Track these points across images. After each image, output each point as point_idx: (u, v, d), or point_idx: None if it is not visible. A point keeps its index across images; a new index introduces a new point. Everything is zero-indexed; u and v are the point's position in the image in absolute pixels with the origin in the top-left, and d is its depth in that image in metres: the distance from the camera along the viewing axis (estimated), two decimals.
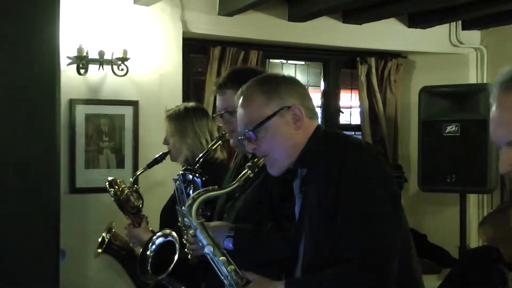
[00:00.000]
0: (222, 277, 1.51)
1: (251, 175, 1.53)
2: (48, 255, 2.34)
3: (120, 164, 3.52)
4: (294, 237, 1.55)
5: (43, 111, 2.37)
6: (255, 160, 1.54)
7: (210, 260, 1.52)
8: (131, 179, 2.69)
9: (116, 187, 2.62)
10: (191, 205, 1.51)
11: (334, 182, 1.41)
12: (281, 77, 1.59)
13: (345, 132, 2.61)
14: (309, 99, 1.57)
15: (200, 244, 1.54)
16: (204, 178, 2.01)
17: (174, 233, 2.13)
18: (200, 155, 2.10)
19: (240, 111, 1.57)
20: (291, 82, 1.57)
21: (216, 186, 1.57)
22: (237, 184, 1.53)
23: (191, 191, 2.02)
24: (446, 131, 3.95)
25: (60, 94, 2.47)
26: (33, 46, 2.37)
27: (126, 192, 2.62)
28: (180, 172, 2.08)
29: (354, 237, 1.39)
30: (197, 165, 2.06)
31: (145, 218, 2.65)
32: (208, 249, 1.51)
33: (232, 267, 1.50)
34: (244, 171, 1.54)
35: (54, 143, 2.41)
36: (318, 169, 1.47)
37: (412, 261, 1.48)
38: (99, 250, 2.68)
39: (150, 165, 2.63)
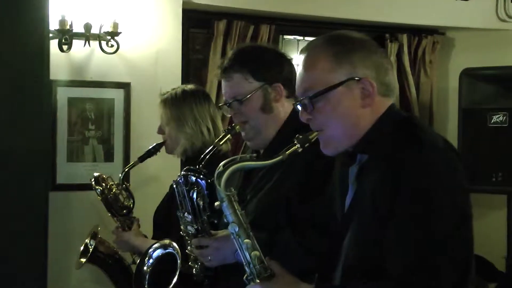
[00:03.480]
0: (244, 264, 1.51)
1: (300, 150, 1.49)
2: (34, 260, 2.30)
3: (109, 156, 3.49)
4: (340, 229, 1.52)
5: (29, 94, 2.32)
6: (307, 133, 1.49)
7: (233, 240, 1.52)
8: (120, 174, 2.68)
9: (103, 184, 2.63)
10: (221, 173, 1.49)
11: (393, 181, 1.35)
12: (358, 40, 1.50)
13: None
14: (386, 72, 1.49)
15: (225, 220, 1.52)
16: (209, 180, 1.97)
17: (174, 244, 2.11)
18: (206, 151, 2.07)
19: (300, 72, 1.50)
20: (369, 48, 1.49)
21: (254, 155, 1.55)
22: (281, 157, 1.48)
23: (194, 195, 2.00)
24: (492, 121, 3.90)
25: (49, 73, 2.43)
26: (19, 19, 2.31)
27: (114, 190, 2.62)
28: (182, 173, 2.05)
29: (405, 255, 1.32)
30: (202, 163, 2.03)
31: (136, 220, 2.65)
32: (233, 228, 1.50)
33: (257, 253, 1.49)
34: (291, 144, 1.49)
35: (41, 130, 2.37)
36: (380, 160, 1.41)
37: None
38: (82, 260, 2.66)
39: (142, 158, 2.61)
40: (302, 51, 1.52)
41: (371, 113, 1.46)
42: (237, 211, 1.51)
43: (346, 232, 1.48)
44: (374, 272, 1.37)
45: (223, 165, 1.50)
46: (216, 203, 1.53)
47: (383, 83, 1.47)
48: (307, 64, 1.49)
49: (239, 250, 1.52)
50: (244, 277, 1.51)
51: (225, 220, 1.53)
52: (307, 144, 1.48)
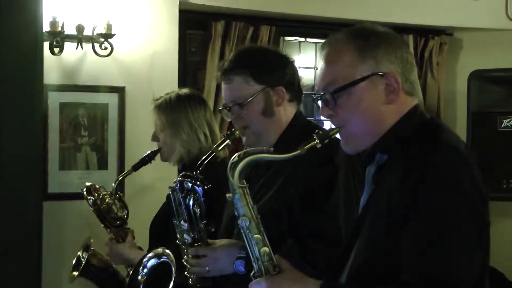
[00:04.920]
0: (252, 259, 1.51)
1: (318, 146, 1.48)
2: (28, 273, 2.27)
3: (102, 164, 3.48)
4: (350, 232, 1.52)
5: (21, 99, 2.29)
6: (328, 129, 1.49)
7: (242, 235, 1.52)
8: (113, 184, 2.66)
9: (96, 194, 2.61)
10: (235, 164, 1.50)
11: (411, 184, 1.33)
12: (383, 33, 1.48)
13: None
14: (411, 68, 1.48)
15: (236, 213, 1.53)
16: (206, 187, 1.98)
17: (168, 252, 2.09)
18: (204, 157, 2.06)
19: (322, 67, 1.50)
20: (395, 42, 1.48)
21: (271, 149, 1.54)
22: (299, 151, 1.48)
23: (190, 202, 1.99)
24: (502, 125, 3.91)
25: (42, 77, 2.40)
26: (10, 20, 2.28)
27: (107, 200, 2.60)
28: (178, 179, 2.04)
29: (420, 261, 1.31)
30: (199, 170, 2.02)
31: (130, 232, 2.63)
32: (243, 222, 1.50)
33: (266, 249, 1.50)
34: (310, 140, 1.48)
35: (35, 138, 2.34)
36: (400, 161, 1.40)
37: None
38: (75, 273, 2.64)
39: (136, 167, 2.59)
40: (323, 45, 1.52)
41: (396, 111, 1.45)
42: (249, 204, 1.51)
43: (358, 233, 1.46)
44: (382, 275, 1.36)
45: (238, 156, 1.50)
46: (228, 195, 1.53)
47: (408, 80, 1.46)
48: (329, 58, 1.48)
49: (247, 246, 1.51)
50: (251, 274, 1.51)
51: (235, 213, 1.53)
52: (326, 140, 1.48)
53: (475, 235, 1.33)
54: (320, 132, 1.49)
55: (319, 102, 1.50)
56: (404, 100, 1.45)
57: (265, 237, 1.50)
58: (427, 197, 1.31)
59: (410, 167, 1.35)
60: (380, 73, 1.43)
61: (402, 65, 1.45)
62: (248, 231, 1.50)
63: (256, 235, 1.50)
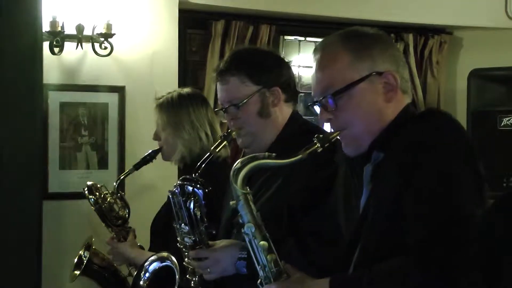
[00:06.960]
0: (258, 267, 1.52)
1: (319, 150, 1.49)
2: (27, 273, 2.27)
3: (103, 163, 3.49)
4: (352, 232, 1.53)
5: (21, 98, 2.30)
6: (328, 133, 1.50)
7: (247, 243, 1.52)
8: (114, 183, 2.66)
9: (97, 193, 2.61)
10: (238, 170, 1.50)
11: (407, 169, 1.34)
12: (374, 35, 1.51)
13: None
14: (404, 66, 1.51)
15: (240, 220, 1.53)
16: (207, 189, 1.97)
17: (172, 257, 2.08)
18: (202, 159, 2.05)
19: (316, 72, 1.50)
20: (386, 42, 1.52)
21: (273, 154, 1.54)
22: (300, 156, 1.49)
23: (191, 205, 1.98)
24: (502, 124, 3.91)
25: (42, 77, 2.41)
26: (9, 20, 2.28)
27: (108, 199, 2.60)
28: (178, 183, 2.03)
29: (422, 219, 1.31)
30: (198, 172, 2.01)
31: (132, 231, 2.63)
32: (248, 229, 1.50)
33: (273, 256, 1.50)
34: (311, 144, 1.49)
35: (34, 138, 2.35)
36: (395, 154, 1.41)
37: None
38: (76, 272, 2.64)
39: (137, 166, 2.60)
40: (316, 50, 1.52)
41: (394, 108, 1.47)
42: (253, 211, 1.52)
43: (360, 232, 1.46)
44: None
45: (241, 162, 1.50)
46: (232, 202, 1.53)
47: (403, 78, 1.48)
48: (324, 62, 1.49)
49: (253, 253, 1.52)
50: (258, 282, 1.52)
51: (240, 221, 1.53)
52: (327, 144, 1.48)
53: (475, 189, 1.34)
54: (321, 136, 1.48)
55: (316, 107, 1.50)
56: (401, 98, 1.47)
57: (271, 244, 1.50)
58: (426, 171, 1.33)
59: (405, 152, 1.36)
60: (378, 72, 1.44)
61: (396, 63, 1.47)
62: (254, 237, 1.50)
63: (262, 242, 1.50)
